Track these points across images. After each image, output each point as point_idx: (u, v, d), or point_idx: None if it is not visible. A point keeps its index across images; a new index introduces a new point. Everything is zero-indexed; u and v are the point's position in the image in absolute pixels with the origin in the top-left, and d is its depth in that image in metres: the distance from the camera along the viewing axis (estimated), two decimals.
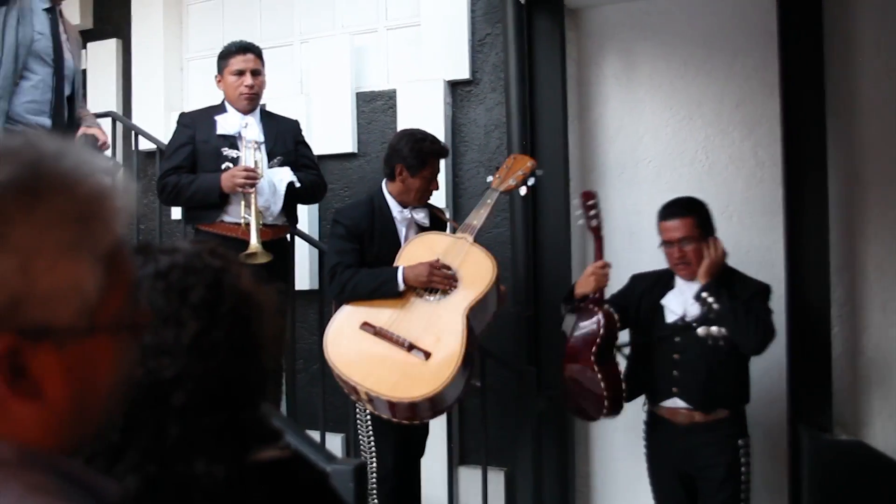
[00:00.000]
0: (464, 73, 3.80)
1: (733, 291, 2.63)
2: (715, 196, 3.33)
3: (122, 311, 0.62)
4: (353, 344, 2.69)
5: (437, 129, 3.66)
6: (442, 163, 3.10)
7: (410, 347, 2.62)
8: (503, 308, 3.02)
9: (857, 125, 3.32)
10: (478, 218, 2.90)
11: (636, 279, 2.94)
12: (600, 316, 2.72)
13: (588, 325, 2.74)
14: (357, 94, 4.05)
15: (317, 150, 3.55)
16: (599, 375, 2.68)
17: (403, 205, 2.96)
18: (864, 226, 3.31)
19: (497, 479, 3.58)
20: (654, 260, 2.93)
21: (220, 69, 3.26)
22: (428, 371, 2.56)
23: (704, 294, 2.62)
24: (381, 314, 2.71)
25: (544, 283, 3.58)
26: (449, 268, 2.74)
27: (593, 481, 3.76)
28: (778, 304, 2.92)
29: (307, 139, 3.46)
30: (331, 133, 4.00)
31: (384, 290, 2.74)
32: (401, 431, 2.89)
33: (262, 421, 0.95)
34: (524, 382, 3.35)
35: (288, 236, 3.41)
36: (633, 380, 2.82)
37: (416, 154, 2.88)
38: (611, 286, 2.83)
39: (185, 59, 4.60)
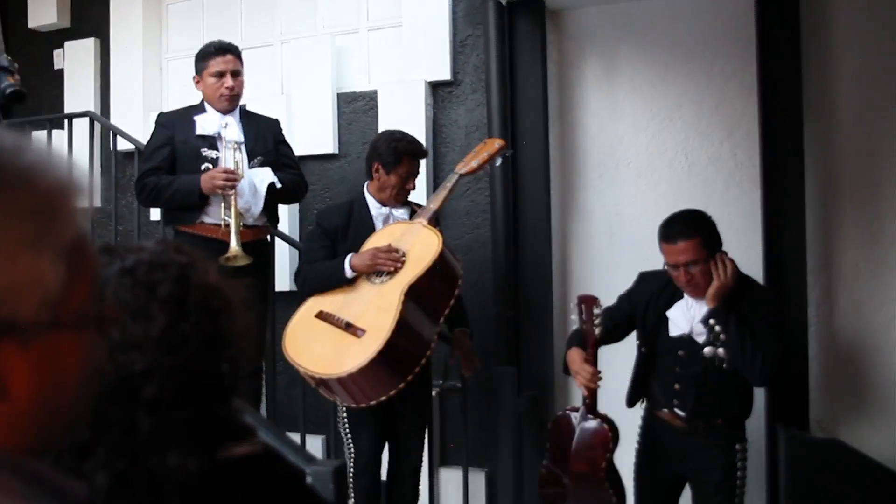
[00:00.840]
0: (445, 74, 3.80)
1: (744, 308, 2.51)
2: (694, 197, 3.36)
3: (86, 306, 0.61)
4: (305, 333, 2.79)
5: (419, 129, 3.66)
6: (423, 163, 3.11)
7: (348, 326, 2.71)
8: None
9: (834, 127, 3.35)
10: (435, 201, 2.98)
11: (644, 279, 2.79)
12: (604, 428, 2.64)
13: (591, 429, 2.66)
14: (338, 94, 4.04)
15: (297, 150, 3.54)
16: (611, 491, 2.63)
17: (382, 203, 3.01)
18: (841, 226, 3.34)
19: (478, 479, 3.58)
20: (635, 262, 2.94)
21: (199, 70, 3.22)
22: (360, 345, 2.65)
23: (712, 321, 2.50)
24: (333, 301, 2.82)
25: (525, 284, 3.58)
26: (397, 250, 2.80)
27: None
28: None
29: (288, 140, 3.44)
30: (311, 134, 3.99)
31: (335, 279, 2.84)
32: (378, 423, 2.93)
33: (234, 416, 0.96)
34: (504, 383, 3.35)
35: (268, 237, 3.39)
36: (636, 384, 2.78)
37: (392, 152, 2.94)
38: (595, 290, 2.77)
39: (165, 58, 4.57)
